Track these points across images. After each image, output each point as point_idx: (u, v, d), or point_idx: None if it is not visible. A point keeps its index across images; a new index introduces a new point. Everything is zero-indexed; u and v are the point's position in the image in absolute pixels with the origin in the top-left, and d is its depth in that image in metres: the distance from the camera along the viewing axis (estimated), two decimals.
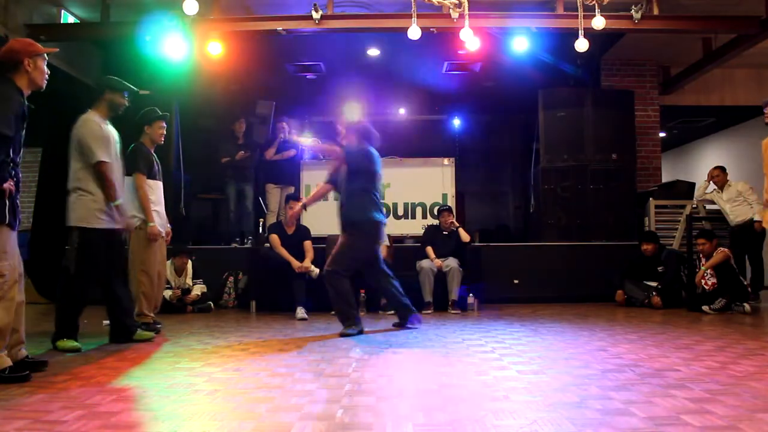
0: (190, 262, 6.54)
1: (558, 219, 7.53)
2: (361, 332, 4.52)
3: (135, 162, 4.64)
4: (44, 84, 3.09)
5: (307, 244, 6.20)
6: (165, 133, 4.90)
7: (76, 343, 3.82)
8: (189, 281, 6.48)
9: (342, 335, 4.43)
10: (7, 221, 2.88)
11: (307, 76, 9.39)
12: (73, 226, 3.88)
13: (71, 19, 7.35)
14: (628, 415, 2.21)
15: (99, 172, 3.85)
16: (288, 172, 7.84)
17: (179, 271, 6.46)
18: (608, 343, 3.96)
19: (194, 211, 8.17)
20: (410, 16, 6.17)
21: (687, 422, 2.11)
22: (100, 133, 3.86)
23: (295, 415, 2.26)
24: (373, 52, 8.65)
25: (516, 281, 7.07)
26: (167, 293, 6.24)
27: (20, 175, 3.06)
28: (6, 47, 3.03)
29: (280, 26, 6.60)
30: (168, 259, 6.46)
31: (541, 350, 3.77)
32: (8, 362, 2.88)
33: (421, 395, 2.58)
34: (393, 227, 7.55)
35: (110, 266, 4.05)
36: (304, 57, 8.73)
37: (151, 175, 4.73)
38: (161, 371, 3.17)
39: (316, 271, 6.03)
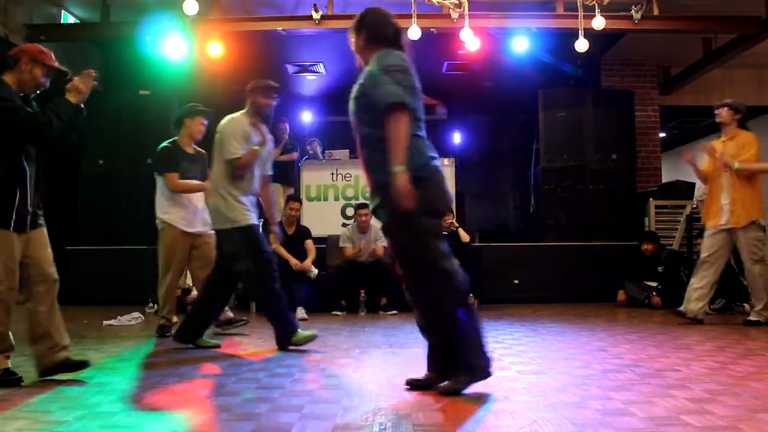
0: None
1: (558, 219, 7.53)
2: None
3: (159, 162, 4.57)
4: (31, 92, 2.96)
5: (309, 243, 6.20)
6: (204, 130, 4.70)
7: (309, 333, 3.83)
8: (189, 282, 6.47)
9: None
10: None
11: (307, 76, 9.39)
12: (229, 228, 3.83)
13: (71, 19, 7.36)
14: (628, 415, 2.21)
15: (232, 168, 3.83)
16: (288, 172, 7.84)
17: None
18: (608, 343, 3.96)
19: None
20: (410, 16, 6.17)
21: (687, 422, 2.11)
22: (241, 131, 3.86)
23: (295, 415, 2.26)
24: None
25: (516, 281, 7.07)
26: None
27: (33, 170, 2.90)
28: (16, 47, 2.98)
29: (280, 26, 6.61)
30: None
31: (541, 350, 3.76)
32: (3, 365, 2.82)
33: (420, 395, 2.58)
34: None
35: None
36: (304, 57, 8.73)
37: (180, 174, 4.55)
38: (161, 371, 3.17)
39: (315, 271, 6.03)
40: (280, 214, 7.57)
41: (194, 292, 6.37)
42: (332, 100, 10.10)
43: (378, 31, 2.77)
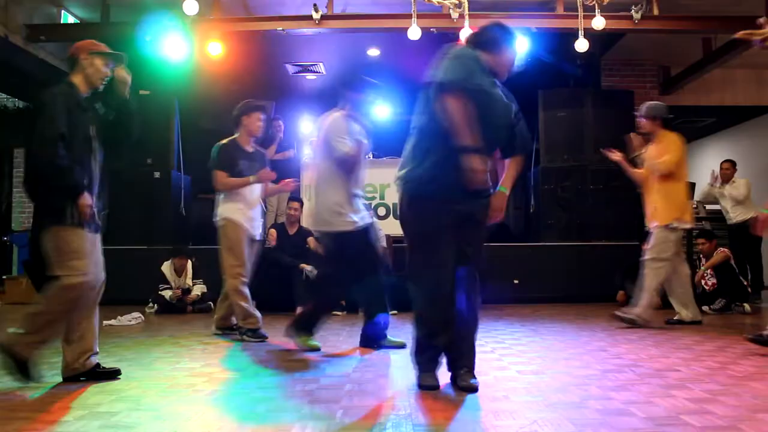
0: (190, 262, 6.54)
1: (558, 219, 7.53)
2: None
3: (214, 160, 4.50)
4: (99, 84, 3.01)
5: (311, 240, 6.19)
6: (262, 125, 4.66)
7: (314, 343, 3.83)
8: (189, 281, 6.48)
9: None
10: (69, 222, 2.77)
11: (307, 76, 9.39)
12: (325, 231, 3.83)
13: (71, 19, 7.35)
14: (628, 415, 2.21)
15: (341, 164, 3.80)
16: (288, 172, 7.82)
17: (179, 272, 6.46)
18: (608, 343, 3.96)
19: (194, 211, 8.14)
20: (410, 17, 6.18)
21: (687, 422, 2.11)
22: (344, 128, 3.83)
23: (295, 415, 2.26)
24: (373, 52, 8.65)
25: (516, 281, 7.06)
26: (167, 293, 6.25)
27: (97, 172, 2.97)
28: (72, 47, 3.02)
29: (280, 26, 6.61)
30: (168, 260, 6.49)
31: (541, 350, 3.77)
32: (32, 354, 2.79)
33: (421, 395, 2.58)
34: (393, 227, 7.53)
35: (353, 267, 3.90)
36: (304, 57, 8.73)
37: (235, 173, 4.43)
38: (161, 371, 3.17)
39: (315, 271, 6.02)
40: (276, 214, 7.59)
41: (194, 292, 6.39)
42: (332, 100, 10.08)
43: None
